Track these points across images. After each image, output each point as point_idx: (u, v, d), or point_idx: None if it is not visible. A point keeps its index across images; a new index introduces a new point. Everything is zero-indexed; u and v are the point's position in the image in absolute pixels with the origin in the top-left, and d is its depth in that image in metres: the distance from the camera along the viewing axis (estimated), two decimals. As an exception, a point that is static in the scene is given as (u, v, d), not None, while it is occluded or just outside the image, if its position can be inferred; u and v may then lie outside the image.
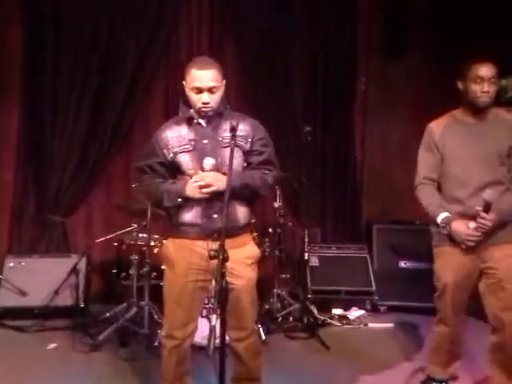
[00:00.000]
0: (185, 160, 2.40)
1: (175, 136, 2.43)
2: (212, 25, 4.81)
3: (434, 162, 2.78)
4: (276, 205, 4.17)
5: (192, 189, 2.33)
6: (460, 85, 2.72)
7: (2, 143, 4.63)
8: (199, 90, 2.35)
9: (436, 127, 2.81)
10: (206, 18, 4.80)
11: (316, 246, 4.74)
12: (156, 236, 3.95)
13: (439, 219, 2.68)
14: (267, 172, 2.47)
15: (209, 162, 2.34)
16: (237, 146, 2.36)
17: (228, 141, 2.35)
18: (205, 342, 2.95)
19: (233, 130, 2.25)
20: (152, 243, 3.82)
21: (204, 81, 2.33)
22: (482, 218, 2.54)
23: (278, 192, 4.17)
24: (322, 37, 4.91)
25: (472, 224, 2.58)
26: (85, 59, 4.55)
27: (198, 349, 2.61)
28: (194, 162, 2.38)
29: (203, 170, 2.35)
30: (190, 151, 2.40)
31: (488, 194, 2.52)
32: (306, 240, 4.23)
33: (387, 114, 5.12)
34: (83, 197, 4.71)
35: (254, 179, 2.40)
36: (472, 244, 2.62)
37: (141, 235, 3.91)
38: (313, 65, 4.93)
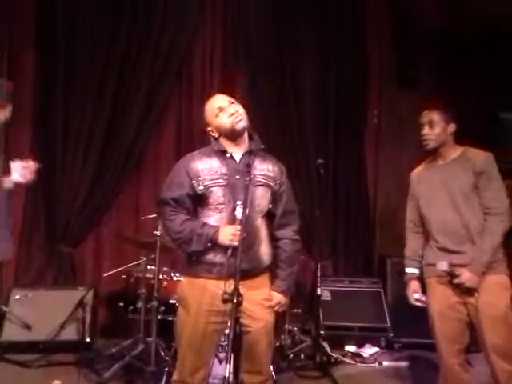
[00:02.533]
0: (216, 195, 2.33)
1: (206, 168, 2.35)
2: (224, 59, 4.84)
3: (415, 207, 2.92)
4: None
5: (224, 237, 2.25)
6: None
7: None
8: (221, 109, 2.36)
9: (414, 174, 2.99)
10: (219, 52, 4.84)
11: (328, 279, 4.60)
12: (165, 269, 3.87)
13: (406, 270, 2.97)
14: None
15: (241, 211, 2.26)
16: (268, 185, 2.39)
17: (261, 179, 2.36)
18: (215, 381, 2.87)
19: (248, 166, 2.23)
20: (161, 277, 3.75)
21: (223, 98, 2.43)
22: (457, 284, 2.66)
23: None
24: (333, 70, 4.92)
25: (417, 295, 2.88)
26: (97, 89, 4.55)
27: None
28: (226, 198, 2.32)
29: (235, 217, 2.26)
30: (222, 186, 2.32)
31: (440, 265, 2.68)
32: (319, 275, 4.13)
33: (399, 145, 5.05)
34: (92, 228, 4.66)
35: None
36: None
37: (149, 267, 3.84)
38: (324, 98, 4.93)
